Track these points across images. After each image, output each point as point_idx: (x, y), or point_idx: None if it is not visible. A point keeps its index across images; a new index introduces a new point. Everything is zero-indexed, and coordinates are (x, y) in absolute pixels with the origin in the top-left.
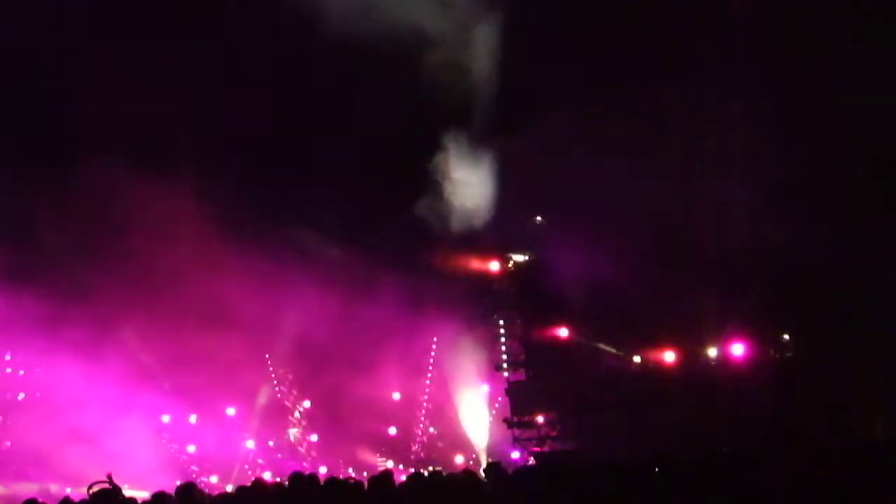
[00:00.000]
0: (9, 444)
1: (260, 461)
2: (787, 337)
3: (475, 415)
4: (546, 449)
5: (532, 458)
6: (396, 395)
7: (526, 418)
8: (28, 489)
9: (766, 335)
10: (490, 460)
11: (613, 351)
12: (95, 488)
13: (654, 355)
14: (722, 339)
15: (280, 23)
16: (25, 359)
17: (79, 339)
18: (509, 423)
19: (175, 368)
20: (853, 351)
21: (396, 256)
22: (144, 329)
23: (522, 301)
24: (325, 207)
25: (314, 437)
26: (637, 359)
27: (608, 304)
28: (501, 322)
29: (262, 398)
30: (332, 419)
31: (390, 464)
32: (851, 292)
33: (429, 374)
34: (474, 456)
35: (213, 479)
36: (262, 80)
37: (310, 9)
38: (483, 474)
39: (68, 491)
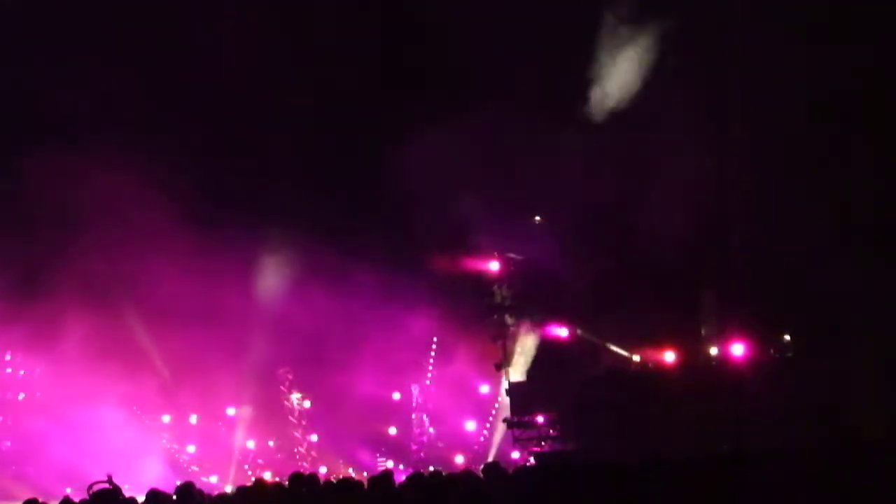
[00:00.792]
0: (9, 443)
1: (260, 461)
2: (787, 337)
3: (475, 415)
4: (546, 449)
5: (532, 458)
6: (396, 395)
7: (526, 418)
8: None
9: (766, 335)
10: (490, 460)
11: (613, 350)
12: (95, 488)
13: (654, 355)
14: (722, 339)
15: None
16: (25, 359)
17: (79, 339)
18: (509, 423)
19: (175, 368)
20: (853, 351)
21: (396, 256)
22: (144, 329)
23: (522, 301)
24: (325, 207)
25: (314, 437)
26: (637, 358)
27: (608, 303)
28: (501, 322)
29: (262, 398)
30: (332, 419)
31: (390, 464)
32: (851, 292)
33: (429, 375)
34: (474, 456)
35: (213, 479)
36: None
37: None
38: (483, 474)
39: (68, 491)
